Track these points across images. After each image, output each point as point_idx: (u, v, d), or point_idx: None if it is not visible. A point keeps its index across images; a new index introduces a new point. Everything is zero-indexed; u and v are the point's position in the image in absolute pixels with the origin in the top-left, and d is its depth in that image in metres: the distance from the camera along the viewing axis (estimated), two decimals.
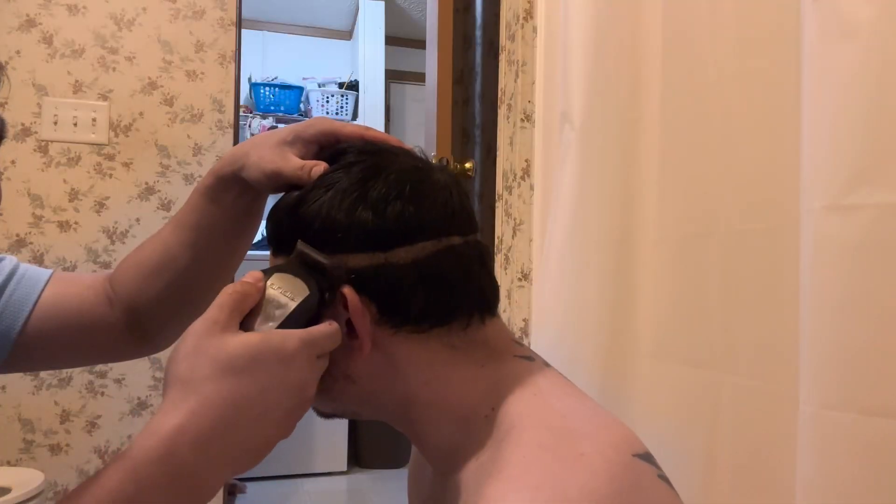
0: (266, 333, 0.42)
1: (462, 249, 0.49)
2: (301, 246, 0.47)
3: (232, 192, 0.58)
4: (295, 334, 0.43)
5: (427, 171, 0.50)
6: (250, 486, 2.55)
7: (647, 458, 0.43)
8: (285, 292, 0.45)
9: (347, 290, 0.46)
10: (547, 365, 0.52)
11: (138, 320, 0.63)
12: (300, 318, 0.44)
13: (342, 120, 3.54)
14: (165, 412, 0.39)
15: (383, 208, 0.46)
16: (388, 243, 0.46)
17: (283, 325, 0.44)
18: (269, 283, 0.45)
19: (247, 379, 0.40)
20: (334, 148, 0.53)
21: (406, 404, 0.50)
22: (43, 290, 0.61)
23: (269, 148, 0.54)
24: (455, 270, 0.48)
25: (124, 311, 0.63)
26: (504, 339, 0.52)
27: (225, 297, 0.43)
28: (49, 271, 0.64)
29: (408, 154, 0.52)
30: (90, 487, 0.37)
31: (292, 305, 0.44)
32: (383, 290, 0.47)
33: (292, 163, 0.51)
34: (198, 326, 0.42)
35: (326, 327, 0.45)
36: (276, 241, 0.51)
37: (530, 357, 0.52)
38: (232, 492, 2.05)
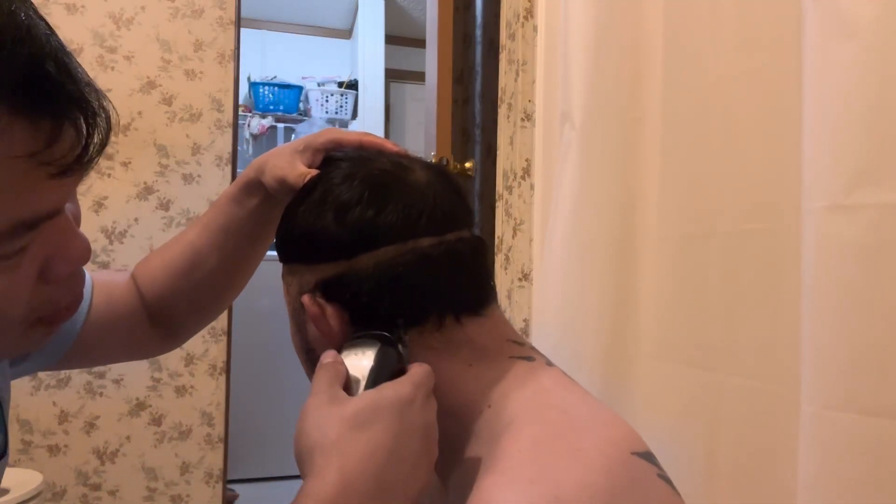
0: (377, 389, 0.43)
1: (431, 251, 0.48)
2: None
3: (256, 197, 0.61)
4: (404, 381, 0.44)
5: (399, 174, 0.50)
6: (250, 486, 2.55)
7: (647, 456, 0.43)
8: (360, 356, 0.46)
9: (305, 298, 0.49)
10: (550, 364, 0.52)
11: (166, 318, 0.66)
12: (384, 370, 0.46)
13: (341, 119, 3.51)
14: (316, 476, 0.39)
15: (343, 216, 0.48)
16: (351, 251, 0.48)
17: (370, 381, 0.45)
18: (343, 355, 0.47)
19: (377, 428, 0.41)
20: (327, 156, 0.55)
21: None
22: (92, 293, 0.63)
23: (283, 156, 0.56)
24: (420, 273, 0.48)
25: (151, 309, 0.65)
26: (495, 339, 0.51)
27: (321, 375, 0.44)
28: (86, 272, 0.65)
29: (387, 157, 0.52)
30: None
31: (369, 363, 0.45)
32: (349, 297, 0.48)
33: (297, 171, 0.54)
34: (311, 403, 0.43)
35: (420, 367, 0.46)
36: (277, 249, 0.54)
37: (530, 357, 0.51)
38: (230, 501, 2.07)
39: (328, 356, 0.46)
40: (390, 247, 0.47)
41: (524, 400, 0.46)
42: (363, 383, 0.45)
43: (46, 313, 0.42)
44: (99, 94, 0.37)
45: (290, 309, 0.53)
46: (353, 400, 0.42)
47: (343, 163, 0.52)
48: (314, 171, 0.53)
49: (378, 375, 0.45)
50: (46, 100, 0.33)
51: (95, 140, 0.36)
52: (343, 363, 0.45)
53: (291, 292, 0.52)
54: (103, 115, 0.37)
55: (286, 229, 0.52)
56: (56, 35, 0.35)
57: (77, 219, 0.42)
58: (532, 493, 0.37)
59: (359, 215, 0.47)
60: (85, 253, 0.41)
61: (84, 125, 0.35)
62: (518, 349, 0.52)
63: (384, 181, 0.49)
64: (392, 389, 0.43)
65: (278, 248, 0.53)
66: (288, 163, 0.55)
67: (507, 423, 0.44)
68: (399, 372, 0.46)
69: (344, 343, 0.48)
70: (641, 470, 0.42)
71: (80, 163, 0.36)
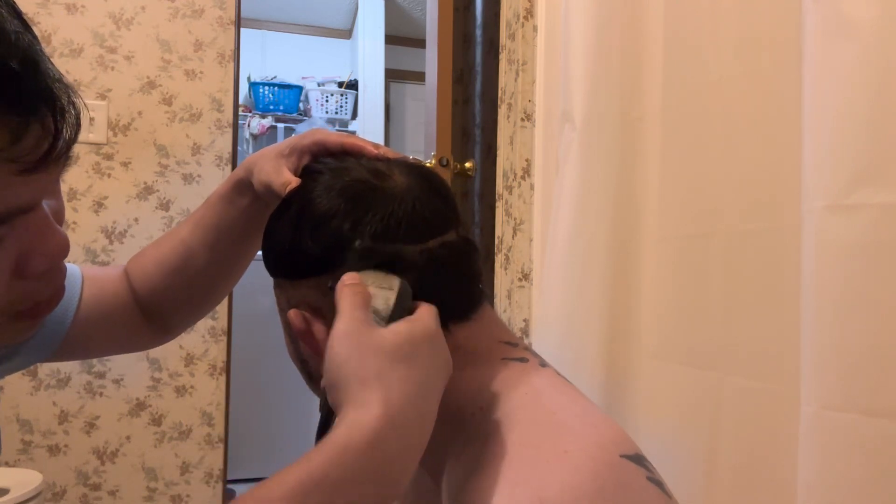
0: (408, 321, 0.44)
1: (413, 259, 0.47)
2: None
3: (247, 197, 0.61)
4: (424, 316, 0.45)
5: (375, 183, 0.49)
6: (250, 486, 2.55)
7: (637, 459, 0.43)
8: (381, 286, 0.46)
9: (292, 314, 0.48)
10: (544, 365, 0.51)
11: (158, 313, 0.66)
12: (403, 304, 0.46)
13: (341, 119, 3.50)
14: (359, 407, 0.39)
15: (319, 232, 0.47)
16: (330, 266, 0.47)
17: (394, 314, 0.45)
18: (363, 278, 0.47)
19: (416, 362, 0.42)
20: (306, 166, 0.54)
21: None
22: (82, 287, 0.63)
23: (269, 160, 0.56)
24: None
25: (144, 304, 0.66)
26: (486, 342, 0.51)
27: (351, 298, 0.44)
28: (76, 266, 0.65)
29: (365, 165, 0.50)
30: (293, 468, 0.37)
31: (393, 296, 0.46)
32: (331, 312, 0.47)
33: (281, 177, 0.53)
34: (345, 328, 0.42)
35: (429, 305, 0.46)
36: (264, 263, 0.53)
37: (523, 358, 0.51)
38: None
39: (351, 277, 0.45)
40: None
41: (514, 402, 0.46)
42: (386, 313, 0.45)
43: (25, 307, 0.42)
44: (69, 90, 0.37)
45: (282, 321, 0.52)
46: (387, 331, 0.42)
47: (321, 175, 0.50)
48: (297, 181, 0.52)
49: (399, 308, 0.45)
50: (11, 98, 0.33)
51: (64, 136, 0.36)
52: (365, 287, 0.45)
53: (280, 305, 0.52)
54: (73, 112, 0.37)
55: (268, 246, 0.52)
56: (28, 34, 0.35)
57: (58, 215, 0.42)
58: (517, 495, 0.38)
59: (336, 227, 0.46)
60: (63, 248, 0.41)
61: (52, 122, 0.35)
62: (510, 350, 0.51)
63: (360, 191, 0.48)
64: (421, 323, 0.44)
65: (264, 262, 0.53)
66: (274, 168, 0.54)
67: (496, 424, 0.44)
68: (411, 310, 0.46)
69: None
70: (630, 473, 0.41)
71: (47, 159, 0.35)
